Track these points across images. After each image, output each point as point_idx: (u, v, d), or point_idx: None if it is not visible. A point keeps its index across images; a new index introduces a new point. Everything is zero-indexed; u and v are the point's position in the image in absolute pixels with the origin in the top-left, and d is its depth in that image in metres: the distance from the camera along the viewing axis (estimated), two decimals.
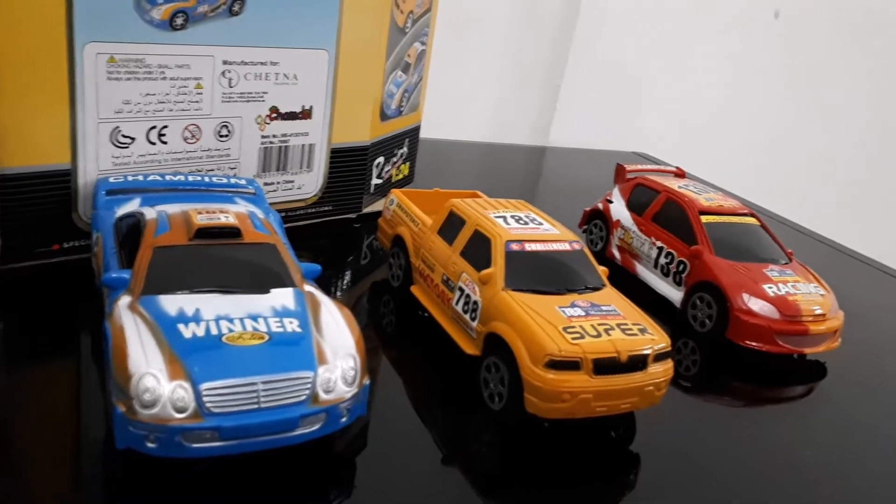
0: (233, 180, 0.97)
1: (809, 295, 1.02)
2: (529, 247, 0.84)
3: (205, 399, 0.59)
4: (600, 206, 1.28)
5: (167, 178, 0.93)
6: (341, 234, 1.21)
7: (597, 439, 0.78)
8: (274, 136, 1.07)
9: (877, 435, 0.89)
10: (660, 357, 0.76)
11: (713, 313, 1.03)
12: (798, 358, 1.04)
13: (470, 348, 0.82)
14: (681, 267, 1.10)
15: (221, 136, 1.01)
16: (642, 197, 1.22)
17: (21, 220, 0.86)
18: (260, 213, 0.84)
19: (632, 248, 1.19)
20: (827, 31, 2.18)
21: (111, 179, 0.90)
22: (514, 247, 0.84)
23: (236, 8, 0.95)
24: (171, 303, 0.67)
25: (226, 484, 0.63)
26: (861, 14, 2.17)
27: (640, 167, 1.30)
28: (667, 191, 1.19)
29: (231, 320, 0.66)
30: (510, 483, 0.71)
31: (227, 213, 0.79)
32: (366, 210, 1.26)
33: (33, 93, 0.83)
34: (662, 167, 1.33)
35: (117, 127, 0.91)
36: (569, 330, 0.74)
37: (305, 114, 1.09)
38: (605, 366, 0.72)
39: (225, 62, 0.97)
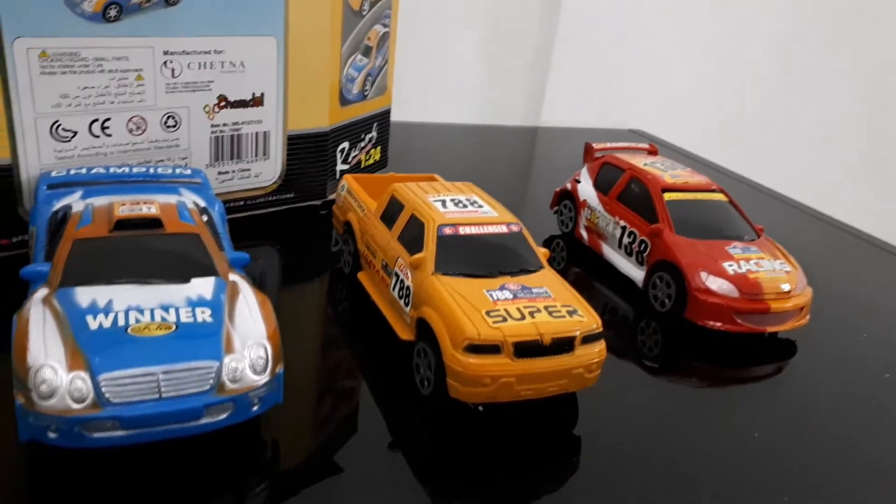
0: (178, 171, 0.97)
1: (773, 272, 0.99)
2: (463, 230, 0.83)
3: (103, 389, 0.60)
4: (569, 186, 1.25)
5: (111, 170, 0.93)
6: (306, 221, 1.21)
7: (540, 422, 0.77)
8: (224, 124, 1.06)
9: (840, 413, 0.87)
10: (589, 339, 0.74)
11: (672, 293, 1.01)
12: (768, 336, 1.01)
13: (404, 334, 0.81)
14: (642, 246, 1.08)
15: (168, 127, 1.01)
16: (609, 176, 1.20)
17: None
18: (190, 204, 0.84)
19: (598, 228, 1.17)
20: None
21: (53, 173, 0.90)
22: (447, 231, 0.82)
23: None
24: (85, 295, 0.68)
25: (146, 472, 0.64)
26: None
27: (608, 146, 1.28)
28: (631, 169, 1.16)
29: (141, 311, 0.66)
30: (451, 470, 0.70)
31: (151, 204, 0.79)
32: (331, 196, 1.25)
33: None
34: (634, 145, 1.30)
35: (57, 121, 0.91)
36: (491, 313, 0.72)
37: (256, 101, 1.08)
38: (527, 349, 0.71)
39: (166, 52, 0.97)
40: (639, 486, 0.70)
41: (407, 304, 0.81)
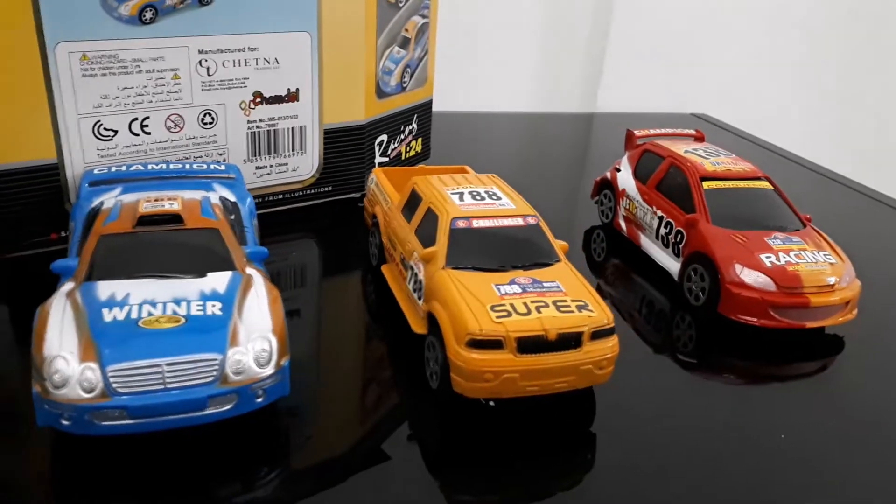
0: (213, 166, 1.00)
1: (816, 264, 0.94)
2: (477, 223, 0.82)
3: (111, 380, 0.63)
4: (608, 175, 1.22)
5: (149, 167, 0.97)
6: (344, 214, 1.23)
7: (556, 417, 0.76)
8: (261, 120, 1.09)
9: (888, 414, 0.82)
10: (599, 335, 0.73)
11: (706, 286, 0.97)
12: (814, 331, 0.95)
13: (418, 327, 0.82)
14: (678, 237, 1.04)
15: (205, 124, 1.05)
16: (649, 164, 1.16)
17: (14, 212, 0.93)
18: (215, 199, 0.87)
19: (636, 218, 1.14)
20: None
21: (95, 171, 0.95)
22: (461, 224, 0.82)
23: None
24: (106, 289, 0.71)
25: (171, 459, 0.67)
26: None
27: (651, 132, 1.24)
28: (671, 156, 1.12)
29: (154, 304, 0.69)
30: (462, 463, 0.70)
31: (174, 200, 0.82)
32: None
33: (12, 93, 0.89)
34: (679, 131, 1.26)
35: (98, 121, 0.96)
36: (496, 308, 0.72)
37: (292, 97, 1.10)
38: (531, 344, 0.70)
39: (201, 51, 1.00)
40: (655, 488, 0.68)
41: (420, 298, 0.81)
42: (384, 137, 1.27)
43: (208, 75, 1.02)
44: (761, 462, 0.72)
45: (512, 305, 0.72)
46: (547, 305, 0.73)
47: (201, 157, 1.06)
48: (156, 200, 0.82)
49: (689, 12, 1.99)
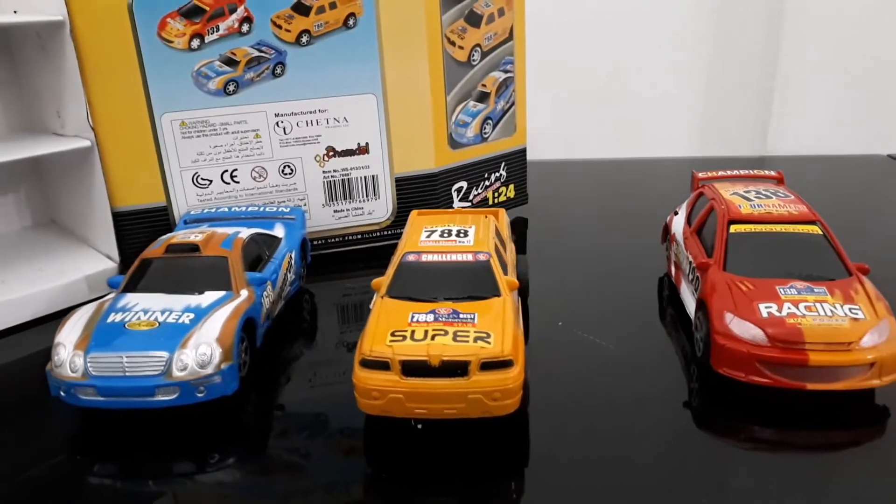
0: (280, 209, 1.20)
1: (829, 318, 0.83)
2: (426, 258, 0.89)
3: (89, 365, 0.82)
4: (668, 219, 1.17)
5: (232, 209, 1.20)
6: None
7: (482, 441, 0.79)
8: (335, 170, 1.26)
9: None
10: (490, 366, 0.75)
11: (703, 335, 0.90)
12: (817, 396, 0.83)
13: None
14: (697, 283, 0.97)
15: (285, 174, 1.25)
16: (700, 207, 1.10)
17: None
18: (244, 235, 1.05)
19: (680, 263, 1.08)
20: None
21: (192, 212, 1.20)
22: (411, 258, 0.89)
23: (278, 71, 1.18)
24: (129, 299, 0.92)
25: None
26: None
27: (717, 174, 1.16)
28: (713, 198, 1.05)
29: (147, 312, 0.88)
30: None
31: (202, 234, 1.01)
32: None
33: (132, 153, 1.17)
34: (756, 172, 1.16)
35: (196, 172, 1.21)
36: (396, 333, 0.78)
37: (362, 150, 1.26)
38: (416, 368, 0.75)
39: (277, 115, 1.21)
40: None
41: None
42: (463, 184, 1.36)
43: (285, 134, 1.22)
44: None
45: (413, 332, 0.78)
46: (446, 334, 0.77)
47: (284, 201, 1.26)
48: (191, 233, 1.02)
49: (867, 44, 1.76)
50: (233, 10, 1.15)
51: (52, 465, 0.81)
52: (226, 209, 1.20)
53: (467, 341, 0.76)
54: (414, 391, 0.75)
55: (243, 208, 1.20)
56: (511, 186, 1.45)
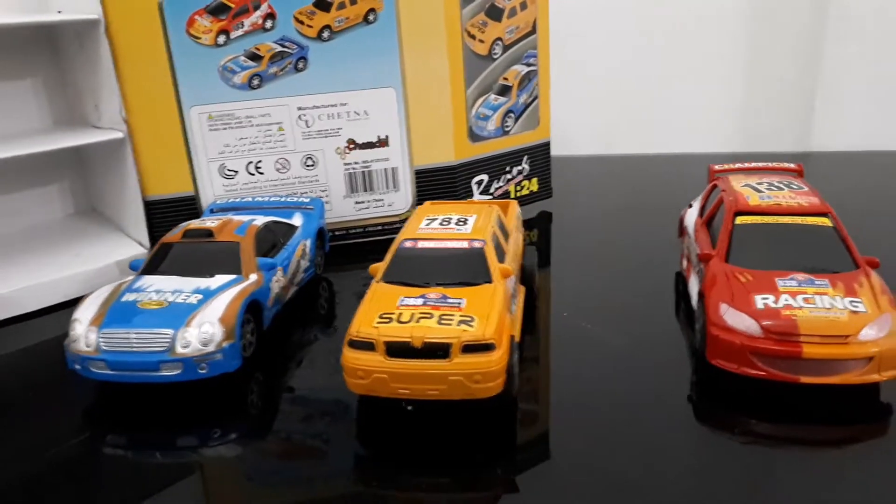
0: (300, 199, 1.24)
1: (828, 310, 0.81)
2: (422, 244, 0.91)
3: (101, 340, 0.87)
4: (682, 213, 1.15)
5: (255, 199, 1.24)
6: None
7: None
8: (356, 162, 1.29)
9: None
10: (472, 349, 0.76)
11: (700, 326, 0.89)
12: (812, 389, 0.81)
13: None
14: (702, 276, 0.96)
15: (308, 166, 1.28)
16: (712, 199, 1.08)
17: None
18: (259, 222, 1.08)
19: (689, 256, 1.07)
20: None
21: (218, 201, 1.25)
22: (408, 244, 0.91)
23: (300, 66, 1.22)
24: (146, 281, 0.97)
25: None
26: None
27: (733, 166, 1.14)
28: (724, 189, 1.03)
29: (159, 292, 0.93)
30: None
31: (219, 220, 1.06)
32: None
33: (162, 145, 1.23)
34: (774, 165, 1.13)
35: (223, 164, 1.26)
36: (384, 315, 0.80)
37: (382, 142, 1.29)
38: (399, 350, 0.77)
39: (299, 108, 1.25)
40: None
41: None
42: (484, 177, 1.37)
43: (307, 127, 1.26)
44: None
45: (400, 315, 0.80)
46: (431, 317, 0.79)
47: (306, 192, 1.30)
48: (209, 220, 1.07)
49: None
50: (257, 7, 1.19)
51: (80, 439, 0.86)
52: (250, 199, 1.25)
53: (451, 324, 0.78)
54: (397, 371, 0.77)
55: (266, 198, 1.24)
56: (534, 180, 1.45)
